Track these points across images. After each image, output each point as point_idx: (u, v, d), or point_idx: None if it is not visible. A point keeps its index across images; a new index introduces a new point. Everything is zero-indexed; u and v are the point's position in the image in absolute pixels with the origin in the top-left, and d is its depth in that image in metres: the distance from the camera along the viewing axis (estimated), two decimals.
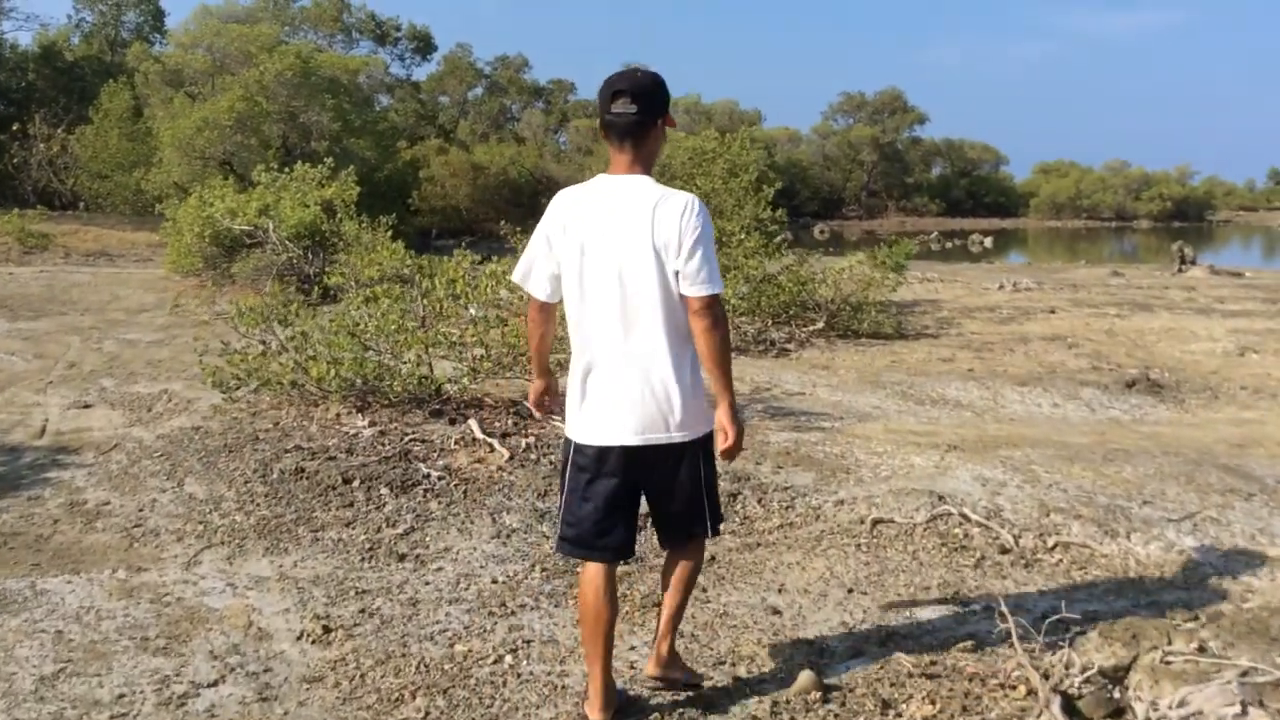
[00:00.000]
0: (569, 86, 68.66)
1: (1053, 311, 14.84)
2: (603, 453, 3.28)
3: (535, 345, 3.57)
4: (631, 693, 3.60)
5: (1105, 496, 5.81)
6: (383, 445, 6.33)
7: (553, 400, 3.66)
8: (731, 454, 3.28)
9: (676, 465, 3.33)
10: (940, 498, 5.68)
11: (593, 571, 3.38)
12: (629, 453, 3.27)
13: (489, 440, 6.31)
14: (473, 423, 6.58)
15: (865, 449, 6.75)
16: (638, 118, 3.21)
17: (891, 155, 68.33)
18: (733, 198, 12.72)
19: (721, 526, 3.70)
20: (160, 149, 26.74)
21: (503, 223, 12.76)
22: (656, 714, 3.49)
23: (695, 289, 3.15)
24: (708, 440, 3.38)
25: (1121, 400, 8.92)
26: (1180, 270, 23.19)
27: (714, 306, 3.18)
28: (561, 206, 3.32)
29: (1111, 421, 8.13)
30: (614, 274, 3.20)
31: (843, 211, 64.56)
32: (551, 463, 6.16)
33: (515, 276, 3.47)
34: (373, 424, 6.72)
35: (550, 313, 3.47)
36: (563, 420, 3.45)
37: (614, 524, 3.34)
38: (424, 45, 54.03)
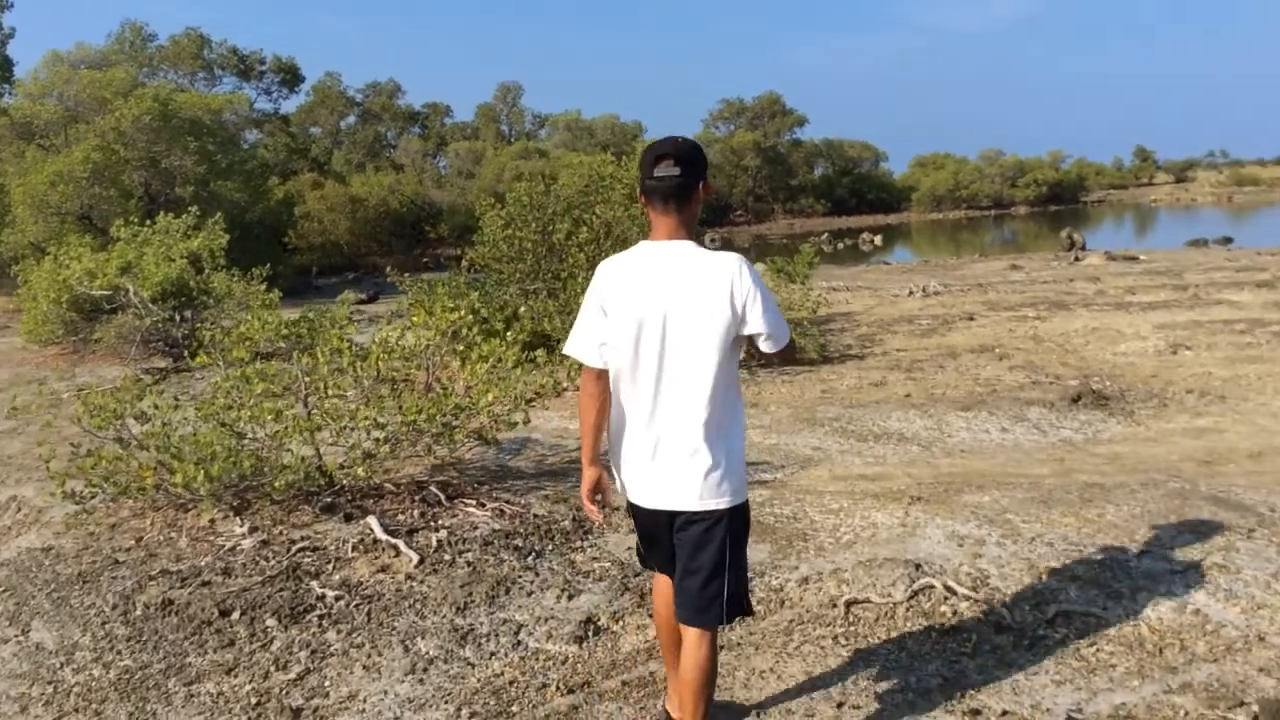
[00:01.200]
0: (444, 110, 67.51)
1: (972, 318, 14.38)
2: (648, 511, 3.36)
3: (590, 422, 3.43)
4: None
5: (1095, 547, 5.19)
6: (266, 559, 5.39)
7: (607, 495, 3.52)
8: None
9: (705, 535, 3.29)
10: (917, 566, 4.99)
11: (662, 583, 3.56)
12: (668, 515, 3.32)
13: (393, 541, 5.42)
14: (372, 519, 5.68)
15: (818, 506, 6.05)
16: (681, 179, 3.21)
17: (774, 159, 68.42)
18: (636, 225, 11.87)
19: (746, 615, 3.57)
20: (13, 207, 24.93)
21: (389, 269, 11.84)
22: None
23: (774, 345, 3.25)
24: (738, 514, 3.32)
25: (1070, 418, 8.39)
26: (1076, 259, 23.21)
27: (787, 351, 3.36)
28: (609, 276, 3.32)
29: (1065, 444, 7.58)
30: (663, 341, 3.21)
31: (731, 217, 64.35)
32: (469, 561, 5.32)
33: (568, 350, 3.42)
34: (254, 530, 5.77)
35: (606, 382, 3.39)
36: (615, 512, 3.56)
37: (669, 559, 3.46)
38: (291, 77, 52.05)
